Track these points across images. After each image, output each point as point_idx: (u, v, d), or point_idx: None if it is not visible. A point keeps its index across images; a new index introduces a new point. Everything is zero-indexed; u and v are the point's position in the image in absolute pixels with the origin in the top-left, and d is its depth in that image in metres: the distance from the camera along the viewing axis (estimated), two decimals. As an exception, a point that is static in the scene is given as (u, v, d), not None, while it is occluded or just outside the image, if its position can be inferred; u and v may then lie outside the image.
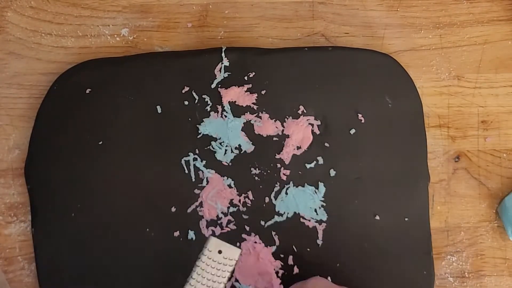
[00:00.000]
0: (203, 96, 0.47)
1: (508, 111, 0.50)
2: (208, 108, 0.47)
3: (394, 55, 0.49)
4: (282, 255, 0.46)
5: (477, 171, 0.49)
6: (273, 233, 0.46)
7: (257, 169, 0.47)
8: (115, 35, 0.49)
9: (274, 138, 0.47)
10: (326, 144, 0.47)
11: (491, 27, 0.50)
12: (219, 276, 0.41)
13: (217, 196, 0.46)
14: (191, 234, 0.46)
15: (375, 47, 0.49)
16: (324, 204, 0.46)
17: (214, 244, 0.41)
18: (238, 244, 0.46)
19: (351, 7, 0.50)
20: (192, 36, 0.49)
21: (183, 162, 0.46)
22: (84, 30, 0.49)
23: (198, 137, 0.47)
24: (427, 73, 0.50)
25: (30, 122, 0.48)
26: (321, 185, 0.47)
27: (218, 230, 0.46)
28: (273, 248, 0.46)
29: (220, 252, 0.41)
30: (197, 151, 0.46)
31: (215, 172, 0.46)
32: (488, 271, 0.49)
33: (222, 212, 0.46)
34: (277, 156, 0.47)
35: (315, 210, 0.46)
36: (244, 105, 0.47)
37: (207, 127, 0.47)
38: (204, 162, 0.46)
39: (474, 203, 0.49)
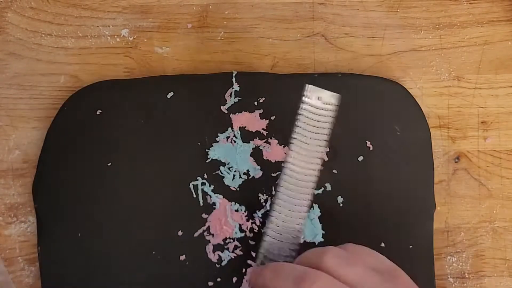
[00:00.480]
0: (213, 121, 0.47)
1: (508, 111, 0.50)
2: (218, 133, 0.47)
3: (394, 56, 0.49)
4: None
5: (477, 172, 0.49)
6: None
7: (264, 194, 0.47)
8: (115, 36, 0.49)
9: (283, 164, 0.47)
10: (334, 171, 0.47)
11: (491, 27, 0.50)
12: (322, 122, 0.40)
13: (224, 221, 0.46)
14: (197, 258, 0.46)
15: (375, 47, 0.49)
16: (331, 231, 0.46)
17: (312, 90, 0.40)
18: (244, 270, 0.46)
19: (351, 7, 0.50)
20: (192, 36, 0.49)
21: (191, 186, 0.46)
22: (84, 31, 0.49)
23: (207, 161, 0.47)
24: (427, 73, 0.50)
25: (30, 123, 0.48)
26: (327, 211, 0.47)
27: (225, 255, 0.46)
28: None
29: (319, 98, 0.40)
30: (205, 176, 0.46)
31: (223, 197, 0.46)
32: (488, 272, 0.49)
33: (229, 237, 0.46)
34: None
35: (322, 236, 0.46)
36: (253, 131, 0.47)
37: (216, 152, 0.47)
38: (212, 186, 0.46)
39: (474, 204, 0.49)
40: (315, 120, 0.40)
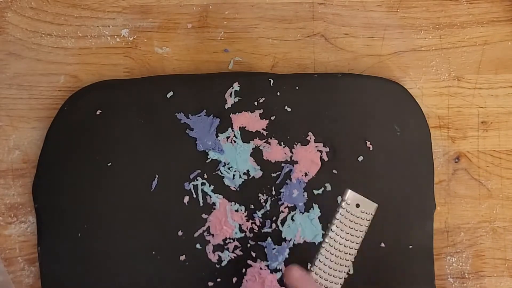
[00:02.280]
0: (214, 120, 0.47)
1: (508, 111, 0.50)
2: (218, 133, 0.47)
3: (394, 56, 0.49)
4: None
5: (477, 172, 0.49)
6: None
7: (264, 194, 0.47)
8: (115, 36, 0.49)
9: (283, 164, 0.47)
10: (334, 171, 0.47)
11: (491, 28, 0.50)
12: (356, 230, 0.40)
13: (224, 221, 0.46)
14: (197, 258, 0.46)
15: (375, 48, 0.49)
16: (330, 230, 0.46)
17: (351, 197, 0.40)
18: (243, 270, 0.46)
19: (351, 8, 0.50)
20: (192, 37, 0.49)
21: (191, 186, 0.46)
22: (84, 31, 0.49)
23: (207, 161, 0.47)
24: (427, 74, 0.50)
25: (30, 123, 0.48)
26: (327, 211, 0.46)
27: (225, 255, 0.46)
28: (279, 275, 0.46)
29: (358, 205, 0.40)
30: (205, 176, 0.46)
31: (223, 197, 0.46)
32: (488, 272, 0.49)
33: (229, 237, 0.46)
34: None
35: (322, 236, 0.46)
36: (253, 131, 0.47)
37: (216, 152, 0.47)
38: (212, 187, 0.46)
39: (474, 204, 0.49)
40: (350, 228, 0.41)
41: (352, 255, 0.41)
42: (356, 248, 0.41)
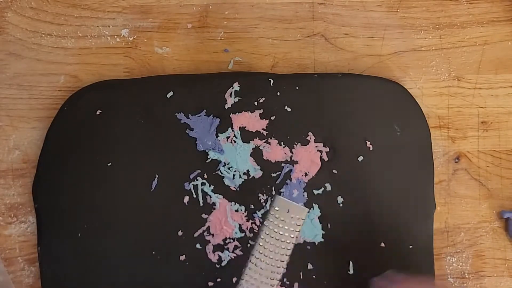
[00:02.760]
0: (214, 120, 0.47)
1: (508, 111, 0.50)
2: (218, 133, 0.47)
3: (394, 56, 0.49)
4: (287, 282, 0.46)
5: (477, 172, 0.49)
6: None
7: (264, 194, 0.47)
8: (115, 36, 0.49)
9: (283, 164, 0.47)
10: (334, 171, 0.47)
11: (491, 28, 0.50)
12: (287, 236, 0.40)
13: (224, 221, 0.46)
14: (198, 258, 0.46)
15: (375, 48, 0.49)
16: (331, 231, 0.47)
17: (281, 203, 0.40)
18: (243, 270, 0.46)
19: (351, 8, 0.50)
20: (192, 37, 0.49)
21: (191, 186, 0.46)
22: (84, 31, 0.49)
23: (207, 161, 0.47)
24: (427, 74, 0.50)
25: (30, 123, 0.48)
26: (327, 211, 0.47)
27: (225, 255, 0.46)
28: None
29: (288, 211, 0.40)
30: (205, 176, 0.46)
31: (223, 197, 0.46)
32: (488, 272, 0.49)
33: (229, 237, 0.46)
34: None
35: (322, 236, 0.46)
36: (253, 131, 0.47)
37: (216, 152, 0.47)
38: (212, 187, 0.46)
39: (474, 204, 0.49)
40: (280, 234, 0.41)
41: (283, 261, 0.41)
42: (288, 254, 0.41)
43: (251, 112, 0.47)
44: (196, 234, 0.46)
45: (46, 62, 0.48)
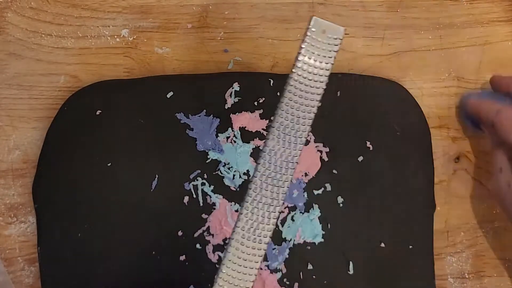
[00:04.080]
0: (214, 120, 0.47)
1: (508, 112, 0.50)
2: (218, 133, 0.47)
3: (394, 56, 0.49)
4: (287, 282, 0.46)
5: (477, 172, 0.49)
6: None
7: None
8: (115, 36, 0.49)
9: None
10: (334, 171, 0.47)
11: (491, 28, 0.50)
12: (325, 57, 0.38)
13: (224, 221, 0.46)
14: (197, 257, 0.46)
15: (375, 48, 0.49)
16: (331, 231, 0.47)
17: (317, 23, 0.37)
18: None
19: (351, 7, 0.50)
20: (192, 37, 0.49)
21: (191, 186, 0.46)
22: (84, 31, 0.49)
23: (207, 161, 0.46)
24: (427, 74, 0.50)
25: (30, 123, 0.48)
26: (327, 211, 0.47)
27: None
28: (279, 275, 0.46)
29: (324, 32, 0.39)
30: (205, 176, 0.46)
31: (223, 197, 0.46)
32: (488, 272, 0.49)
33: (229, 237, 0.46)
34: None
35: (322, 237, 0.46)
36: (253, 131, 0.47)
37: (216, 152, 0.47)
38: (212, 187, 0.46)
39: (474, 204, 0.49)
40: (318, 54, 0.38)
41: (322, 82, 0.38)
42: (327, 75, 0.38)
43: (251, 112, 0.47)
44: (196, 234, 0.46)
45: (46, 62, 0.48)
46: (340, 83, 0.47)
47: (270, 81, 0.47)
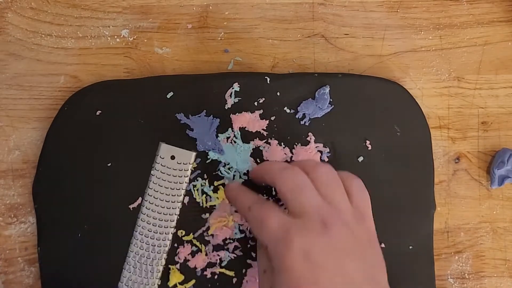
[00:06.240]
0: (214, 120, 0.47)
1: (508, 112, 0.50)
2: (218, 133, 0.47)
3: (394, 56, 0.49)
4: None
5: (477, 172, 0.49)
6: None
7: (264, 195, 0.46)
8: (115, 36, 0.49)
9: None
10: None
11: (491, 28, 0.50)
12: (176, 183, 0.39)
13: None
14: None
15: (375, 48, 0.49)
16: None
17: (165, 150, 0.39)
18: (243, 270, 0.46)
19: (351, 8, 0.50)
20: (192, 37, 0.49)
21: (191, 186, 0.46)
22: (84, 31, 0.49)
23: (207, 162, 0.46)
24: (427, 74, 0.50)
25: (30, 123, 0.48)
26: None
27: (225, 255, 0.46)
28: None
29: (173, 157, 0.39)
30: (205, 176, 0.46)
31: (223, 198, 0.46)
32: (488, 272, 0.49)
33: (229, 238, 0.46)
34: None
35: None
36: (253, 131, 0.47)
37: (216, 152, 0.47)
38: (212, 187, 0.46)
39: (474, 204, 0.49)
40: (169, 182, 0.39)
41: (175, 208, 0.40)
42: (179, 201, 0.40)
43: (251, 113, 0.47)
44: (196, 234, 0.46)
45: (46, 63, 0.48)
46: (340, 83, 0.47)
47: (270, 81, 0.47)
